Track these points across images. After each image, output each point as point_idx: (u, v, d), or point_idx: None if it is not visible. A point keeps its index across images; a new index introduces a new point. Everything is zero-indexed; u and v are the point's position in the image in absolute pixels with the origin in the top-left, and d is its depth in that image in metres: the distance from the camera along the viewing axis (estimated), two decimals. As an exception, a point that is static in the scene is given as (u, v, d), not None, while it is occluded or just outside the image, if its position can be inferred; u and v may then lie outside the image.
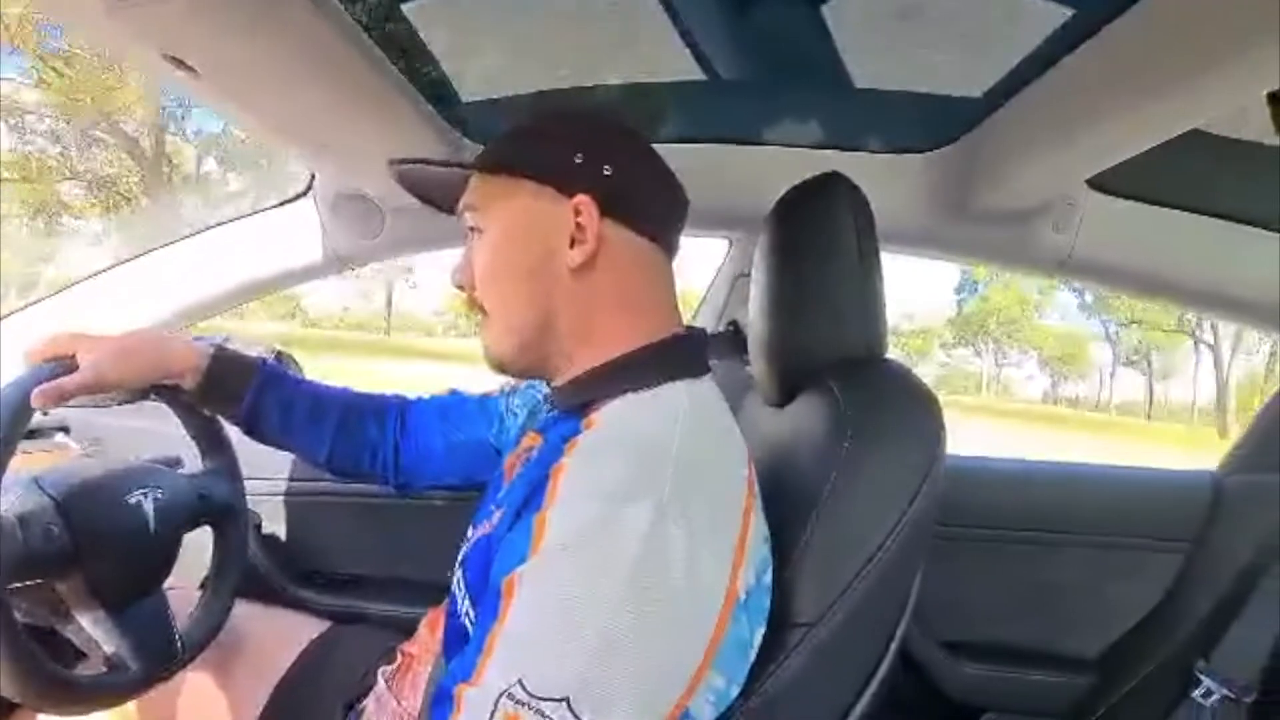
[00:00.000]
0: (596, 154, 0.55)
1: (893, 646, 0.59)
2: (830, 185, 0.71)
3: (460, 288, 0.61)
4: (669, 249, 0.59)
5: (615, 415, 0.53)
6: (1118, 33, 0.63)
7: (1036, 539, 1.11)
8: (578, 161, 0.55)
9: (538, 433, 0.62)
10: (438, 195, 0.64)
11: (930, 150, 0.94)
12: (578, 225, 0.54)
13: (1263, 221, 0.96)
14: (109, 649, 0.68)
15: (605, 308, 0.56)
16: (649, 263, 0.58)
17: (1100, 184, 0.91)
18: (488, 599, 0.46)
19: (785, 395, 0.72)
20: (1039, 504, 1.13)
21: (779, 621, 0.53)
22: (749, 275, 1.00)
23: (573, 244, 0.55)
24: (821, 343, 0.69)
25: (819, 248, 0.70)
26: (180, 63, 0.57)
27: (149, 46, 0.55)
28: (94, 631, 0.68)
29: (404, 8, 0.80)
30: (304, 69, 0.65)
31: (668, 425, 0.51)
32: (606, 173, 0.55)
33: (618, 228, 0.55)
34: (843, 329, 0.68)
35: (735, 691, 0.50)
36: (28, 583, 0.63)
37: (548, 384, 0.62)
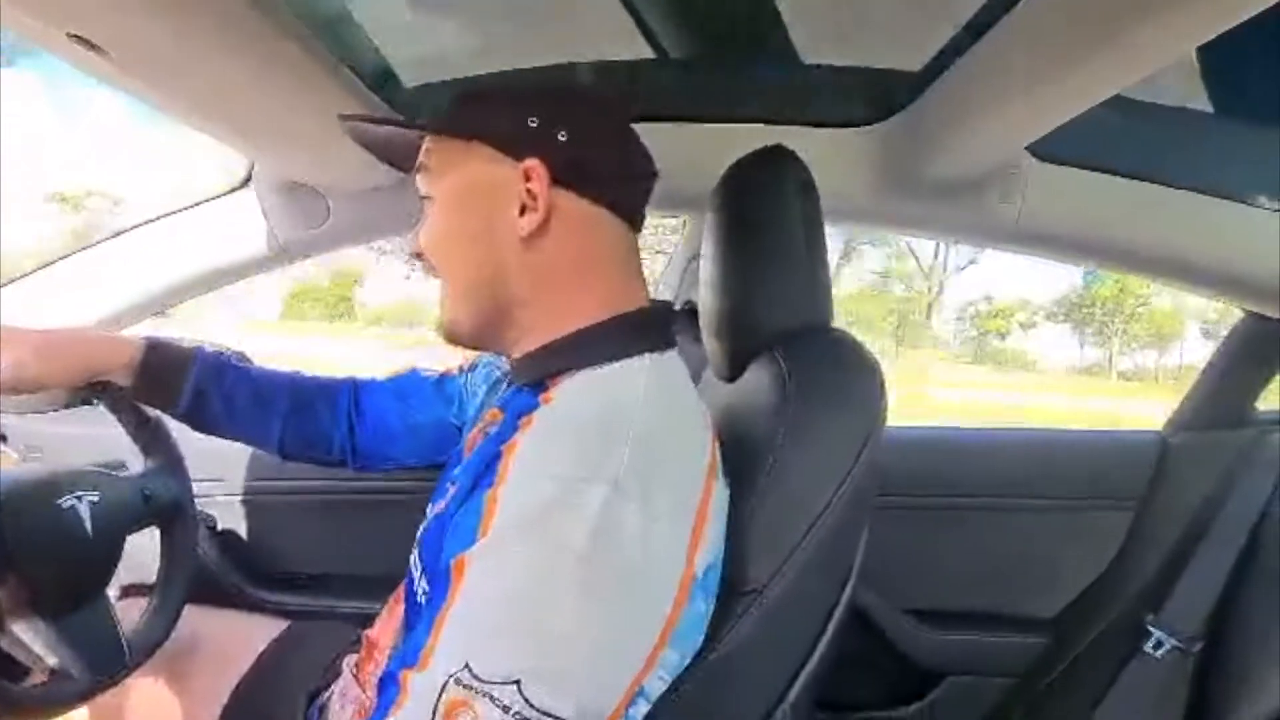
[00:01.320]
0: (551, 118, 0.53)
1: (839, 608, 0.60)
2: (773, 158, 0.71)
3: (416, 256, 0.59)
4: (631, 219, 0.57)
5: (573, 391, 0.52)
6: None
7: (993, 505, 1.14)
8: (531, 125, 0.53)
9: (499, 409, 0.61)
10: (398, 157, 0.62)
11: (874, 123, 0.95)
12: (528, 191, 0.52)
13: (1201, 187, 0.99)
14: (50, 659, 0.66)
15: (559, 278, 0.54)
16: (606, 233, 0.55)
17: (1042, 153, 0.92)
18: (438, 580, 0.45)
19: (735, 369, 0.72)
20: (994, 471, 1.16)
21: (729, 588, 0.54)
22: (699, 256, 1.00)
23: (523, 211, 0.53)
24: (768, 315, 0.69)
25: (763, 221, 0.70)
26: (87, 42, 0.54)
27: (50, 25, 0.52)
28: (33, 642, 0.65)
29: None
30: (228, 50, 0.62)
31: (627, 402, 0.50)
32: (561, 138, 0.52)
33: (571, 196, 0.53)
34: (789, 301, 0.68)
35: (687, 661, 0.50)
36: None
37: (506, 358, 0.60)
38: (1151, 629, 1.02)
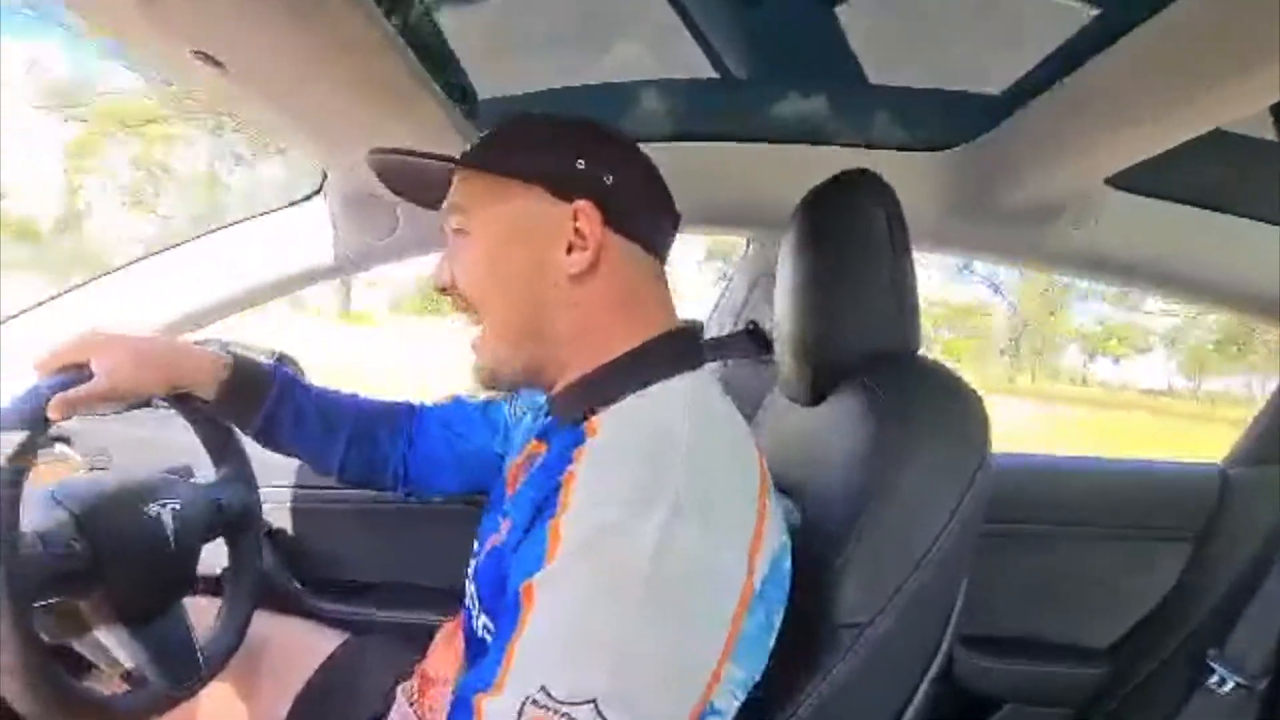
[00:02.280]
0: (598, 160, 0.54)
1: (943, 647, 0.59)
2: (861, 181, 0.71)
3: (443, 290, 0.58)
4: (662, 256, 0.59)
5: (619, 418, 0.53)
6: (1142, 35, 0.63)
7: (1050, 533, 1.12)
8: (579, 167, 0.54)
9: (541, 440, 0.61)
10: (420, 192, 0.61)
11: (948, 148, 0.94)
12: (576, 231, 0.53)
13: (1271, 217, 0.98)
14: (131, 665, 0.66)
15: (601, 314, 0.55)
16: (645, 269, 0.57)
17: (1117, 181, 0.92)
18: (505, 608, 0.46)
19: (817, 393, 0.71)
20: (1051, 498, 1.14)
21: (829, 622, 0.53)
22: (770, 275, 0.99)
23: (570, 250, 0.53)
24: (855, 339, 0.68)
25: (850, 243, 0.70)
26: (208, 58, 0.55)
27: (178, 43, 0.53)
28: (114, 648, 0.66)
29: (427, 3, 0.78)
30: (328, 63, 0.63)
31: (673, 423, 0.50)
32: (608, 180, 0.54)
33: (616, 235, 0.54)
34: (876, 326, 0.68)
35: (756, 678, 0.50)
36: (50, 601, 0.61)
37: (545, 392, 0.60)
38: (1214, 664, 1.00)
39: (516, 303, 0.55)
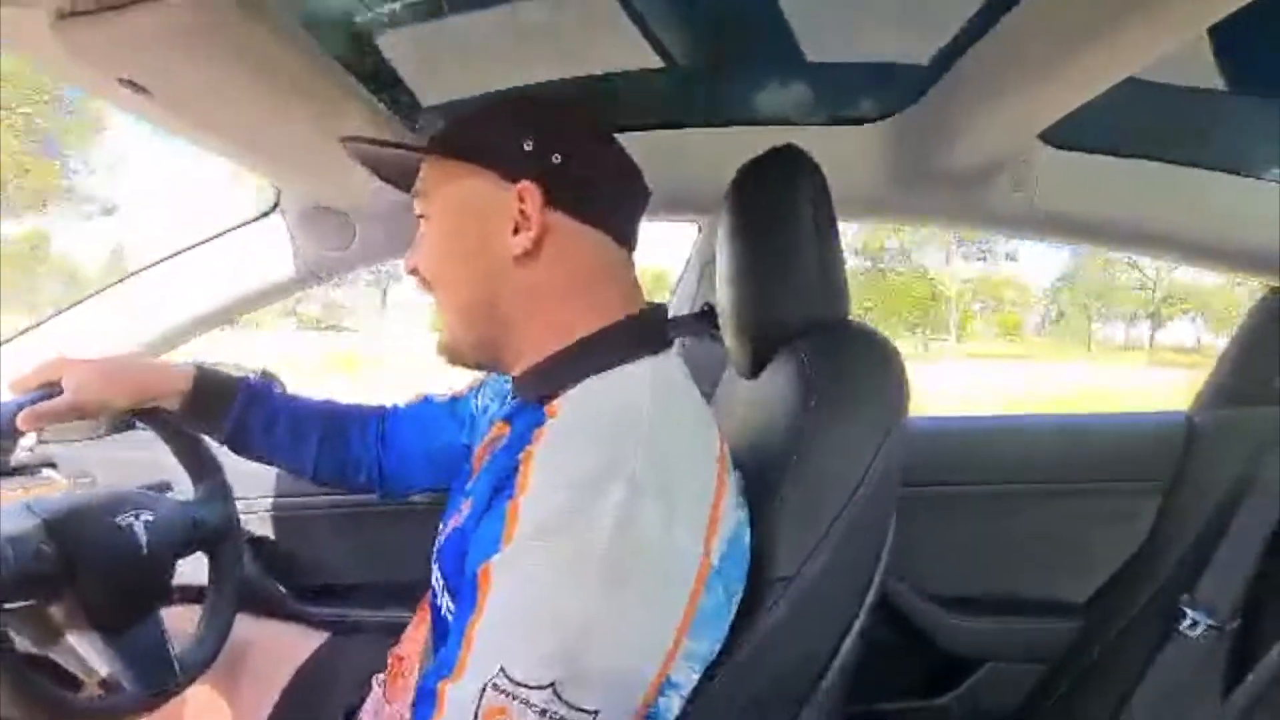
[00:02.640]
0: (547, 141, 0.54)
1: (869, 596, 0.61)
2: (785, 157, 0.73)
3: (412, 273, 0.60)
4: (623, 239, 0.58)
5: (579, 399, 0.53)
6: None
7: (1021, 490, 1.14)
8: (526, 148, 0.54)
9: (505, 421, 0.62)
10: (400, 179, 0.63)
11: (883, 119, 0.96)
12: (521, 213, 0.53)
13: (1213, 164, 0.99)
14: (104, 671, 0.69)
15: (552, 296, 0.56)
16: (598, 252, 0.57)
17: (1052, 139, 0.93)
18: (463, 591, 0.47)
19: (757, 366, 0.73)
20: (1021, 456, 1.16)
21: (758, 578, 0.55)
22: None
23: (516, 231, 0.54)
24: (786, 311, 0.70)
25: (776, 219, 0.71)
26: (134, 85, 0.57)
27: (100, 70, 0.55)
28: (89, 654, 0.68)
29: (354, 12, 0.80)
30: (258, 84, 0.65)
31: (633, 403, 0.51)
32: (555, 160, 0.54)
33: (564, 217, 0.54)
34: (806, 296, 0.70)
35: (716, 650, 0.51)
36: (20, 604, 0.64)
37: (506, 374, 0.61)
38: (1186, 609, 1.01)
39: (467, 282, 0.57)
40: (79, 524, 0.68)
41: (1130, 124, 0.96)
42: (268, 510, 1.12)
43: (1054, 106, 0.78)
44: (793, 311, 0.70)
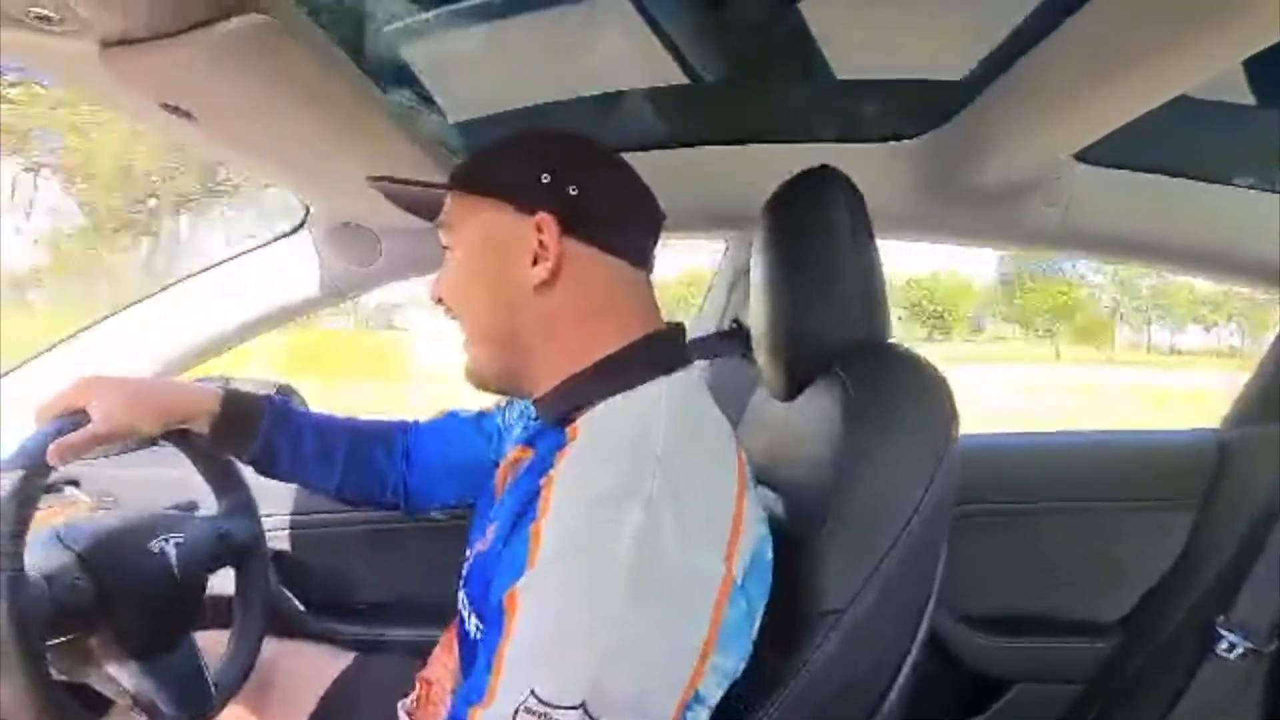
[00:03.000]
0: (563, 173, 0.56)
1: (922, 630, 0.60)
2: (822, 177, 0.72)
3: (438, 301, 0.62)
4: (639, 262, 0.60)
5: (597, 421, 0.54)
6: (1096, 8, 0.64)
7: (1051, 509, 1.12)
8: (543, 181, 0.56)
9: (527, 445, 0.63)
10: (425, 211, 0.65)
11: (916, 136, 0.95)
12: (540, 244, 0.55)
13: (1244, 180, 0.98)
14: (143, 698, 0.68)
15: (571, 322, 0.57)
16: (615, 278, 0.58)
17: (1085, 155, 0.92)
18: (491, 616, 0.47)
19: (793, 387, 0.72)
20: (1050, 474, 1.14)
21: (807, 610, 0.54)
22: (747, 274, 1.00)
23: (535, 261, 0.55)
24: (825, 332, 0.69)
25: (815, 239, 0.71)
26: (177, 109, 0.57)
27: (146, 96, 0.55)
28: (127, 682, 0.68)
29: (386, 31, 0.80)
30: (296, 104, 0.65)
31: (649, 422, 0.52)
32: (572, 192, 0.56)
33: (582, 245, 0.56)
34: (845, 317, 0.69)
35: (741, 667, 0.51)
36: (59, 639, 0.63)
37: (530, 399, 0.62)
38: (1222, 631, 1.00)
39: (488, 312, 0.58)
40: (112, 553, 0.68)
41: (1161, 139, 0.95)
42: (289, 528, 1.11)
43: (1091, 128, 0.77)
44: (832, 333, 0.69)
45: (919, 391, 0.62)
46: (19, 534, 0.59)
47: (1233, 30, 0.55)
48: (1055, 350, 17.45)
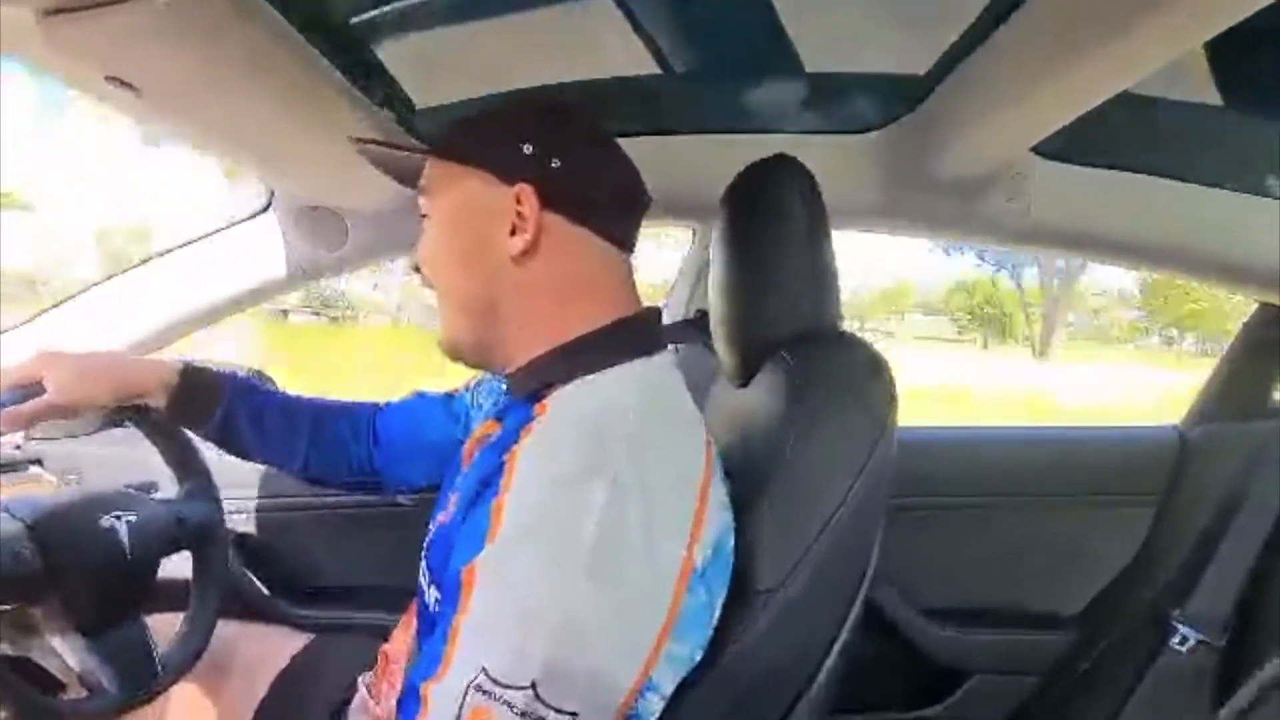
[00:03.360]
0: (546, 145, 0.55)
1: (855, 609, 0.60)
2: (778, 166, 0.73)
3: (416, 269, 0.61)
4: (621, 242, 0.59)
5: (567, 399, 0.54)
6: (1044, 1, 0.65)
7: (1013, 502, 1.14)
8: (526, 151, 0.55)
9: (495, 420, 0.62)
10: (406, 177, 0.64)
11: (879, 128, 0.96)
12: (518, 214, 0.54)
13: (1207, 179, 0.99)
14: (86, 673, 0.68)
15: (547, 296, 0.56)
16: (594, 255, 0.57)
17: (1046, 151, 0.93)
18: (448, 589, 0.47)
19: (746, 374, 0.73)
20: (1014, 468, 1.16)
21: (742, 589, 0.54)
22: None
23: (514, 232, 0.55)
24: (777, 320, 0.70)
25: (769, 228, 0.71)
26: (121, 82, 0.57)
27: (88, 68, 0.55)
28: (70, 656, 0.68)
29: (354, 22, 0.80)
30: (250, 83, 0.65)
31: (619, 404, 0.51)
32: (554, 164, 0.55)
33: (562, 219, 0.55)
34: (796, 305, 0.70)
35: (698, 656, 0.51)
36: (1, 608, 0.63)
37: (503, 373, 0.62)
38: (1177, 624, 1.01)
39: (464, 281, 0.58)
40: (60, 526, 0.67)
41: (1124, 138, 0.96)
42: (254, 511, 1.11)
43: (1048, 119, 0.78)
44: (783, 321, 0.70)
45: (857, 374, 0.62)
46: None
47: (1176, 21, 0.56)
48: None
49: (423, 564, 0.59)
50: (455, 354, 0.61)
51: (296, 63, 0.67)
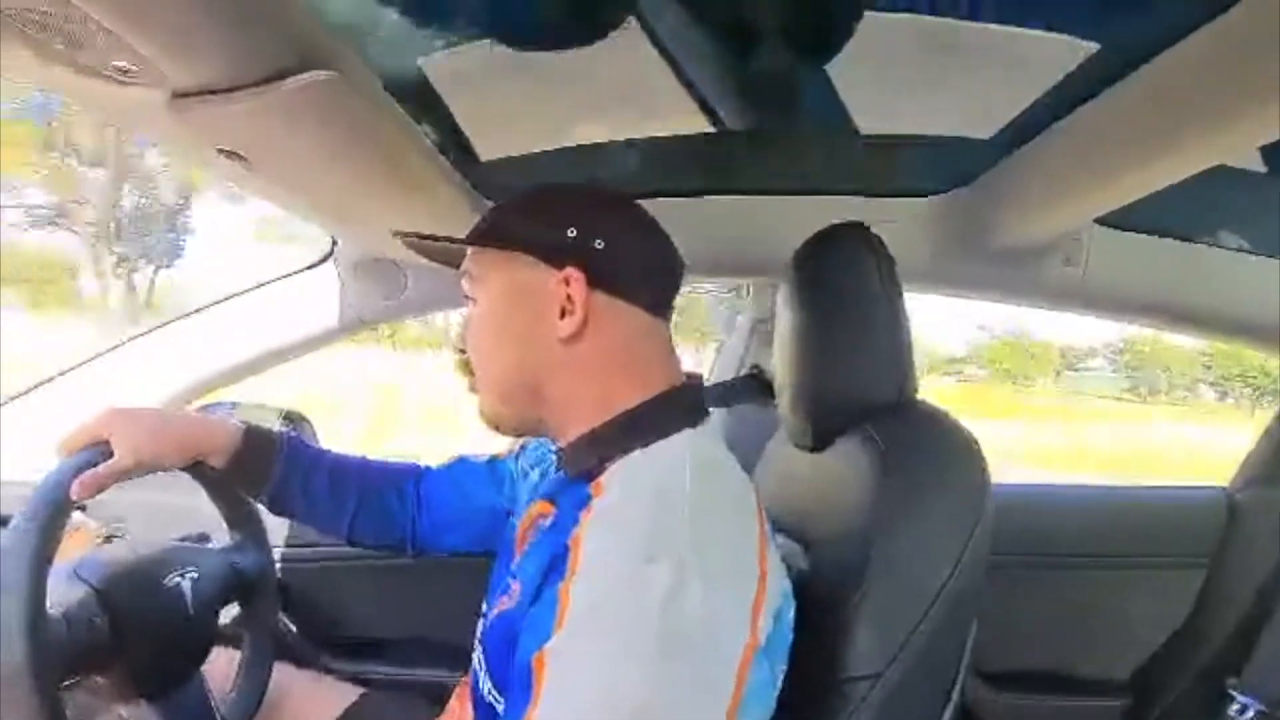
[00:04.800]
0: (588, 228, 0.57)
1: (956, 690, 0.59)
2: (851, 233, 0.73)
3: (460, 351, 0.63)
4: (659, 312, 0.61)
5: (622, 477, 0.54)
6: (1140, 77, 0.65)
7: (1062, 563, 1.12)
8: (570, 236, 0.57)
9: (548, 501, 0.62)
10: (448, 258, 0.66)
11: (939, 193, 0.97)
12: (568, 297, 0.56)
13: (1266, 249, 1.00)
14: None
15: (594, 374, 0.57)
16: (639, 329, 0.59)
17: (1106, 219, 0.94)
18: (516, 679, 0.47)
19: (819, 440, 0.73)
20: (1058, 529, 1.15)
21: (840, 674, 0.54)
22: (766, 321, 1.01)
23: (562, 315, 0.56)
24: (854, 388, 0.70)
25: (844, 295, 0.71)
26: (233, 154, 0.58)
27: (205, 142, 0.56)
28: None
29: (424, 68, 0.81)
30: (342, 147, 0.66)
31: (675, 480, 0.52)
32: (598, 246, 0.57)
33: (607, 298, 0.57)
34: (873, 374, 0.70)
35: None
36: (71, 680, 0.62)
37: (553, 443, 0.62)
38: (1234, 693, 1.00)
39: (513, 362, 0.59)
40: (128, 589, 0.67)
41: (1175, 204, 0.97)
42: (296, 560, 1.10)
43: (1122, 193, 0.79)
44: (860, 388, 0.70)
45: (953, 452, 0.62)
46: (42, 573, 0.57)
47: (1264, 114, 0.57)
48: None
49: (476, 653, 0.59)
50: (497, 428, 0.62)
51: (387, 124, 0.68)
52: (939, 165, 0.97)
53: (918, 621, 0.55)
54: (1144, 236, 0.95)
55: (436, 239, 0.64)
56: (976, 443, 0.63)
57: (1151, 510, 1.17)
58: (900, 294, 0.73)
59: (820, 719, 0.54)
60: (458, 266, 0.64)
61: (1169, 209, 0.98)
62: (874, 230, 0.73)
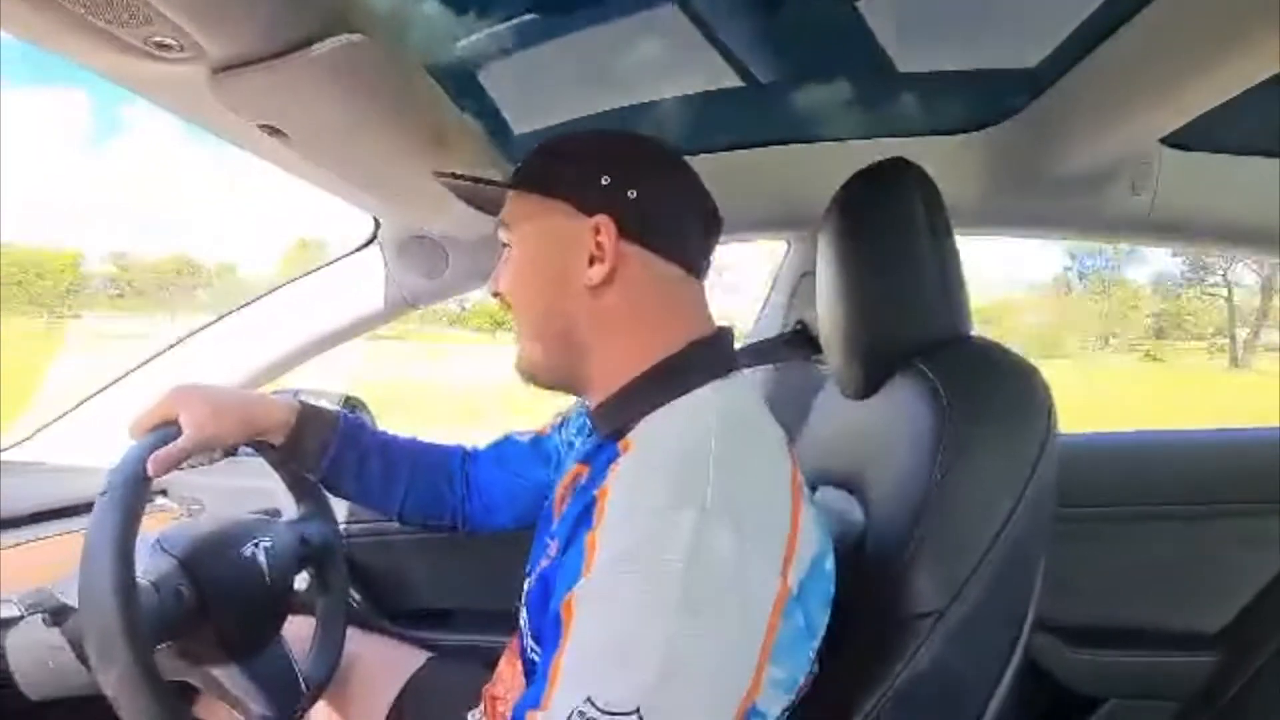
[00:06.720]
0: (623, 176, 0.57)
1: (1025, 629, 0.57)
2: (894, 170, 0.70)
3: (495, 295, 0.63)
4: (694, 267, 0.60)
5: (649, 431, 0.54)
6: None
7: (1140, 513, 1.07)
8: (603, 183, 0.56)
9: (583, 463, 0.63)
10: (489, 206, 0.66)
11: (986, 127, 0.92)
12: (597, 244, 0.56)
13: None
14: (242, 700, 0.70)
15: (624, 323, 0.57)
16: (670, 283, 0.58)
17: (1173, 139, 0.88)
18: (550, 626, 0.47)
19: (870, 385, 0.70)
20: (1139, 476, 1.09)
21: (903, 612, 0.52)
22: (811, 274, 0.99)
23: (591, 262, 0.56)
24: (904, 328, 0.67)
25: (889, 232, 0.69)
26: (274, 130, 0.59)
27: (247, 117, 0.58)
28: (227, 682, 0.70)
29: (459, 45, 0.82)
30: (382, 120, 0.67)
31: (701, 430, 0.51)
32: (631, 195, 0.56)
33: (638, 249, 0.56)
34: (927, 313, 0.67)
35: (800, 677, 0.51)
36: (164, 644, 0.66)
37: (584, 405, 0.62)
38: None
39: (544, 309, 0.59)
40: (209, 559, 0.70)
41: (1247, 119, 0.90)
42: (357, 535, 1.14)
43: (1180, 111, 0.73)
44: (911, 328, 0.67)
45: (1010, 383, 0.59)
46: (129, 545, 0.61)
47: None
48: None
49: (522, 614, 0.60)
50: (532, 377, 0.62)
51: (424, 98, 0.69)
52: (983, 99, 0.92)
53: (979, 559, 0.53)
54: (1218, 156, 0.88)
55: (473, 180, 0.64)
56: (1037, 372, 0.60)
57: (1239, 451, 1.09)
58: (949, 228, 0.69)
59: (883, 657, 0.53)
60: (496, 213, 0.64)
61: (1249, 126, 0.91)
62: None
